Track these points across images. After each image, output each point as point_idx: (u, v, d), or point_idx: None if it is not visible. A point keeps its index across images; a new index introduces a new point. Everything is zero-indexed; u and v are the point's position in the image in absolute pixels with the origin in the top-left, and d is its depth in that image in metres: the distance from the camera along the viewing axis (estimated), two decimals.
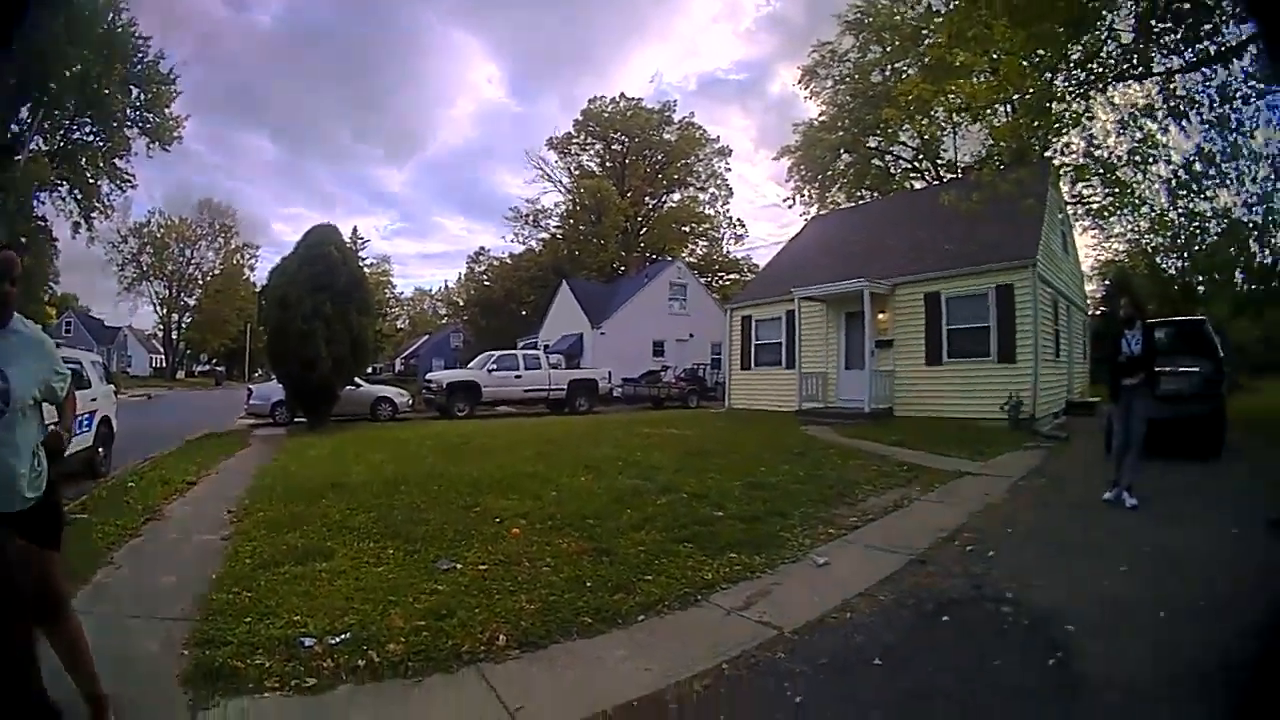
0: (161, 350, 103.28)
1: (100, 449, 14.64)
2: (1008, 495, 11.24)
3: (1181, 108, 18.19)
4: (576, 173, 78.36)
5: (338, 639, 5.49)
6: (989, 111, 20.51)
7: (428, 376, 36.81)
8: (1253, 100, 17.95)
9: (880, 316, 23.12)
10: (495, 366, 33.35)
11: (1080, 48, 16.35)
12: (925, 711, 4.75)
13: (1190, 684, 4.86)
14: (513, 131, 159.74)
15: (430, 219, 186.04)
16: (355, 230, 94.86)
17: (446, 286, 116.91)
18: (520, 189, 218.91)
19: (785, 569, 7.69)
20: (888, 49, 46.30)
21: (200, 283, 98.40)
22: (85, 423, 13.44)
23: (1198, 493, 10.96)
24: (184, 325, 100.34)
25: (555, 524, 9.22)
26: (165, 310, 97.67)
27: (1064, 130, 24.51)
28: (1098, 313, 35.02)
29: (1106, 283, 50.01)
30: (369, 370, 70.69)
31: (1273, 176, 36.22)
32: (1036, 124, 18.15)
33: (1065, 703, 4.75)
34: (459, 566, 7.42)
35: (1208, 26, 15.55)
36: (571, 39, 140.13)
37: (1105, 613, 6.11)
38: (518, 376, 33.42)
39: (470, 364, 36.32)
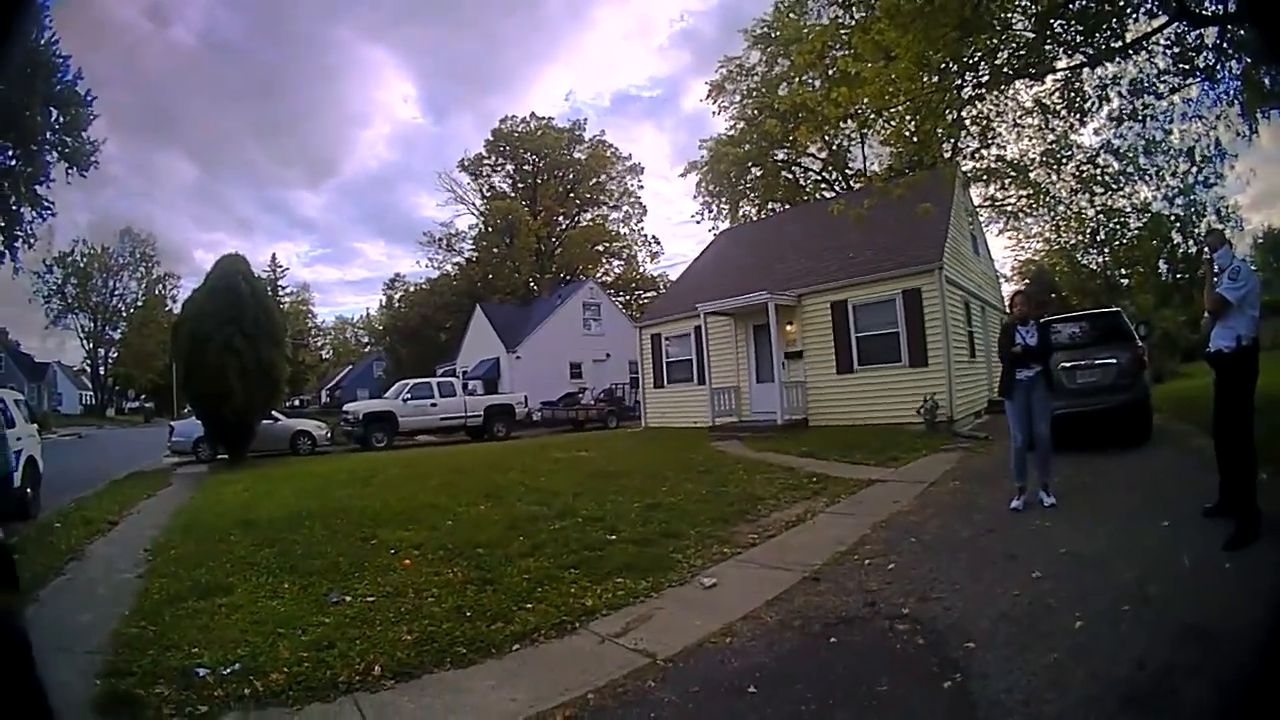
0: (90, 387, 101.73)
1: (29, 489, 14.39)
2: (917, 502, 10.74)
3: (1087, 105, 17.89)
4: (489, 194, 77.74)
5: (228, 669, 5.62)
6: (881, 117, 20.07)
7: (344, 408, 36.12)
8: (1165, 95, 17.70)
9: (789, 328, 22.96)
10: (410, 395, 32.90)
11: (975, 49, 15.93)
12: None
13: (1106, 698, 4.37)
14: (429, 152, 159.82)
15: (349, 244, 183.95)
16: (274, 258, 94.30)
17: (368, 314, 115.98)
18: (435, 211, 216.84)
19: (671, 592, 7.42)
20: (794, 61, 46.04)
21: (124, 315, 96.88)
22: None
23: (1124, 485, 10.44)
24: (110, 360, 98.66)
25: (447, 554, 9.05)
26: (91, 345, 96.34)
27: (959, 134, 24.39)
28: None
29: (1026, 282, 50.62)
30: (295, 403, 69.39)
31: (1193, 170, 36.83)
32: (935, 128, 17.75)
33: None
34: (348, 599, 7.41)
35: (1113, 22, 15.28)
36: (486, 56, 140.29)
37: (1012, 625, 5.62)
38: (433, 405, 32.98)
39: (387, 394, 35.86)
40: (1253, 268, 7.57)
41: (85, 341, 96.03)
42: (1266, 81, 16.60)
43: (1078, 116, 18.55)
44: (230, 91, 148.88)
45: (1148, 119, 18.85)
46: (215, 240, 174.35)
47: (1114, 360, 13.43)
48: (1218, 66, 16.17)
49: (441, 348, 61.92)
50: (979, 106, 19.91)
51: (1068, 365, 13.25)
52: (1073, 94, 17.51)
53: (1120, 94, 17.46)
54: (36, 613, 7.37)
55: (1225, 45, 15.45)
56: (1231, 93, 17.92)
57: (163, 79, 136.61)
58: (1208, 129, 20.91)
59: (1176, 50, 15.97)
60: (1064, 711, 4.26)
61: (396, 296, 77.21)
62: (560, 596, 7.17)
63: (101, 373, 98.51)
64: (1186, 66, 16.17)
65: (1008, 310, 11.04)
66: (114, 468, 22.71)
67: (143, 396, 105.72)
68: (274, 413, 28.27)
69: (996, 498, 10.14)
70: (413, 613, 6.85)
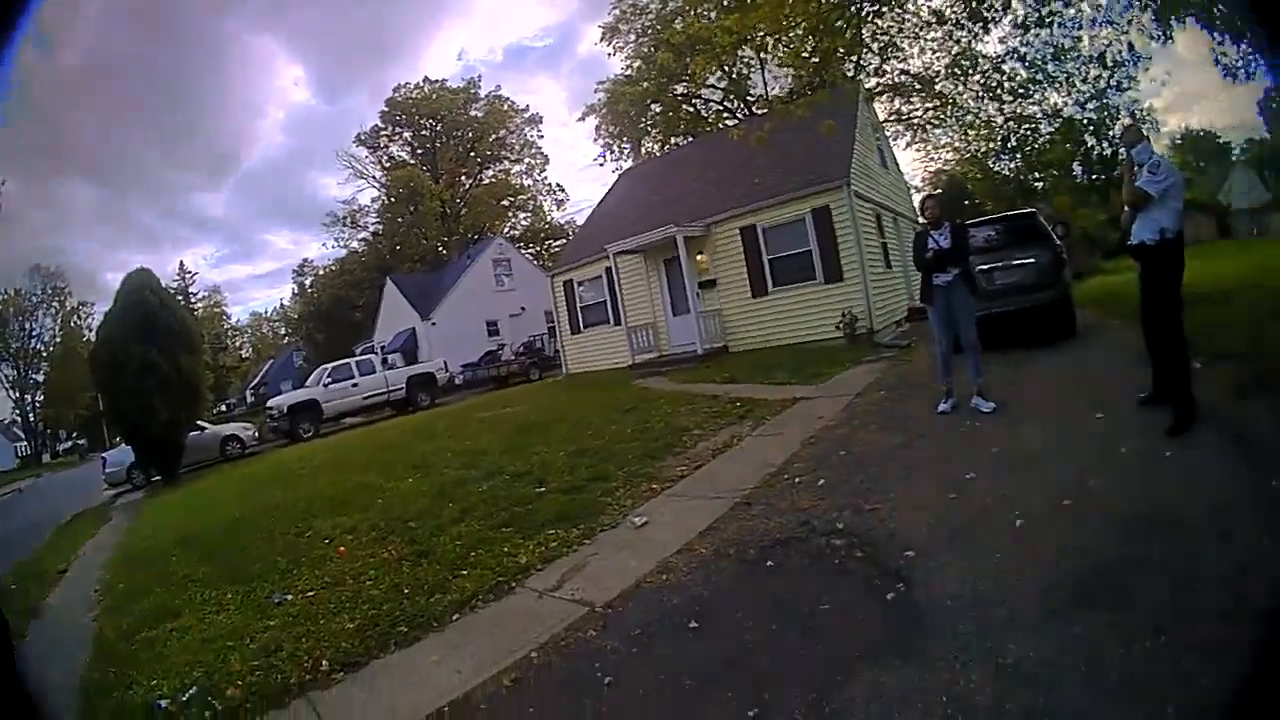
0: (23, 437, 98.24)
1: None
2: (844, 415, 10.40)
3: (988, 13, 17.63)
4: (388, 165, 76.21)
5: (186, 695, 5.48)
6: (779, 41, 19.67)
7: (268, 403, 35.04)
8: (1074, 2, 17.61)
9: (700, 258, 22.64)
10: (330, 379, 31.86)
11: None
12: (744, 673, 4.30)
13: (1057, 596, 4.25)
14: (326, 133, 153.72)
15: (257, 238, 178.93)
16: (181, 265, 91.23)
17: (282, 305, 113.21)
18: (338, 190, 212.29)
19: (604, 536, 7.23)
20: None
21: (44, 355, 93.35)
22: None
23: (1052, 381, 10.24)
24: (38, 404, 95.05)
25: (380, 533, 8.91)
26: (18, 393, 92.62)
27: (860, 51, 24.18)
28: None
29: (938, 190, 50.82)
30: (223, 408, 67.92)
31: (1104, 75, 37.56)
32: (834, 46, 17.38)
33: (909, 641, 4.15)
34: (289, 597, 7.31)
35: None
36: (373, 28, 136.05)
37: (951, 530, 5.45)
38: (354, 385, 31.96)
39: (307, 382, 34.84)
40: (1173, 164, 7.41)
41: (11, 391, 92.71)
42: None
43: (980, 25, 18.25)
44: (123, 105, 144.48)
45: (1054, 25, 18.56)
46: (122, 259, 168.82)
47: (1033, 259, 13.40)
48: None
49: (358, 327, 60.79)
50: (879, 22, 19.63)
51: (985, 268, 13.05)
52: (975, 2, 17.17)
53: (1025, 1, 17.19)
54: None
55: None
56: None
57: (53, 107, 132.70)
58: (1119, 34, 20.75)
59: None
60: (1015, 613, 4.11)
61: (307, 282, 75.25)
62: (494, 558, 7.01)
63: (32, 419, 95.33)
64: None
65: (921, 214, 10.69)
66: (58, 514, 22.03)
67: (74, 435, 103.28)
68: (200, 422, 27.40)
69: (924, 404, 9.89)
70: (353, 599, 6.74)
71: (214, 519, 12.95)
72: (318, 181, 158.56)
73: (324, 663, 5.50)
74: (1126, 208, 7.48)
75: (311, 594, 7.13)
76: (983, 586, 4.42)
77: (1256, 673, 3.06)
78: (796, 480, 7.46)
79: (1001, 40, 20.66)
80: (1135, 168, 7.44)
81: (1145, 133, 7.66)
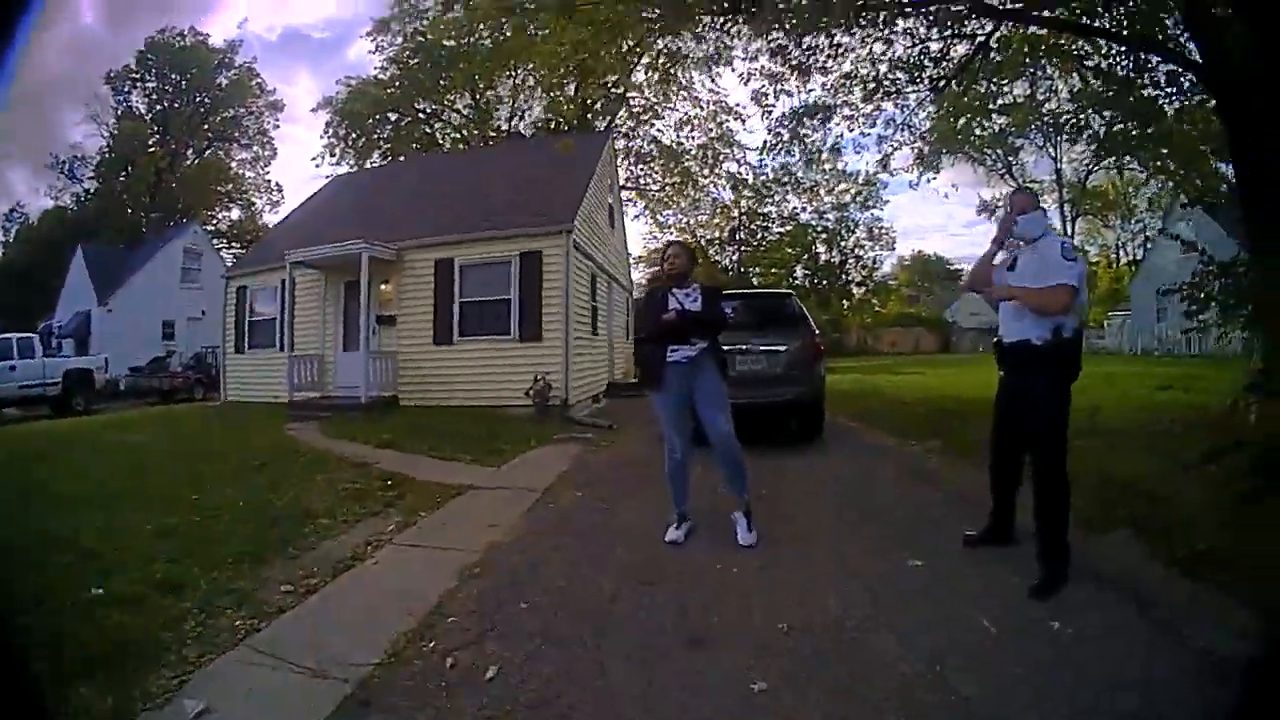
0: None
1: None
2: (525, 524, 7.59)
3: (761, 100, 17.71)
4: (122, 114, 68.04)
5: None
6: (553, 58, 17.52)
7: None
8: (886, 95, 16.93)
9: (384, 287, 19.70)
10: None
11: None
12: None
13: None
14: (99, 65, 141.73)
15: (5, 174, 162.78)
16: None
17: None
18: (77, 133, 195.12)
19: None
20: (471, 6, 42.28)
21: None
22: None
23: (820, 504, 7.92)
24: None
25: None
26: None
27: (626, 72, 23.07)
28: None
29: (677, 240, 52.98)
30: None
31: (853, 190, 39.46)
32: (603, 52, 15.90)
33: None
34: None
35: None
36: None
37: None
38: (12, 368, 26.94)
39: None
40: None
41: None
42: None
43: (789, 81, 17.03)
44: None
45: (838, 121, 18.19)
46: None
47: (784, 347, 11.87)
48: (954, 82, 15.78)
49: (53, 295, 53.23)
50: (658, 45, 18.63)
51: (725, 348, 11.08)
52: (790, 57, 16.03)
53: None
54: None
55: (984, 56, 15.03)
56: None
57: None
58: (894, 148, 21.03)
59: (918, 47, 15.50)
60: None
61: (13, 231, 66.75)
62: None
63: None
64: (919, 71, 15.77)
65: (661, 264, 7.64)
66: None
67: None
68: None
69: (640, 518, 7.35)
70: None
71: None
72: (70, 120, 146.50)
73: None
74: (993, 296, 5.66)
75: None
76: None
77: None
78: (448, 659, 4.43)
79: (769, 130, 19.43)
80: (1018, 243, 5.64)
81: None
